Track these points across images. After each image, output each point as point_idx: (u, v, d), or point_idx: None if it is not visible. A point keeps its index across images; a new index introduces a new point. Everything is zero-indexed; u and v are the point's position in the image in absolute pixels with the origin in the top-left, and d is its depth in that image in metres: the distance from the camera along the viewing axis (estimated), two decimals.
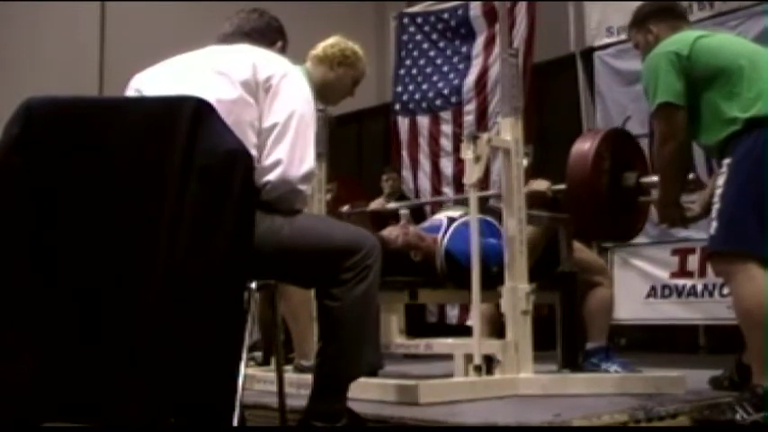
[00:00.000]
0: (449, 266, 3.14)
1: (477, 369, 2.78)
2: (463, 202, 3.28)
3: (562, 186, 3.13)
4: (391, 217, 3.65)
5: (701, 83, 2.52)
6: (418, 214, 4.42)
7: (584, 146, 3.03)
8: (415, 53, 6.62)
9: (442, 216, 3.42)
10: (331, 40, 3.11)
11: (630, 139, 3.34)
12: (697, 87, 2.53)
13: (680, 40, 2.60)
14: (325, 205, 3.45)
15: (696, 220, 2.88)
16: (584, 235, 3.36)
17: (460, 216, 3.32)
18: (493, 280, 2.91)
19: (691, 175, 2.93)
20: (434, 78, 6.47)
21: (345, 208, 3.52)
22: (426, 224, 3.44)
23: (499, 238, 3.06)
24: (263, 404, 2.49)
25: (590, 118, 5.61)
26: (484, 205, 3.32)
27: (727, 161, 2.43)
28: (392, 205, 3.59)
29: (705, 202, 2.90)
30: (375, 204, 3.52)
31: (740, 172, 2.39)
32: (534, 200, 3.17)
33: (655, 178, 3.04)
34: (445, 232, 3.22)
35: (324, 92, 3.05)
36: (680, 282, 5.00)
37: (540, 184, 3.28)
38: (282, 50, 2.26)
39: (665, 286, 5.08)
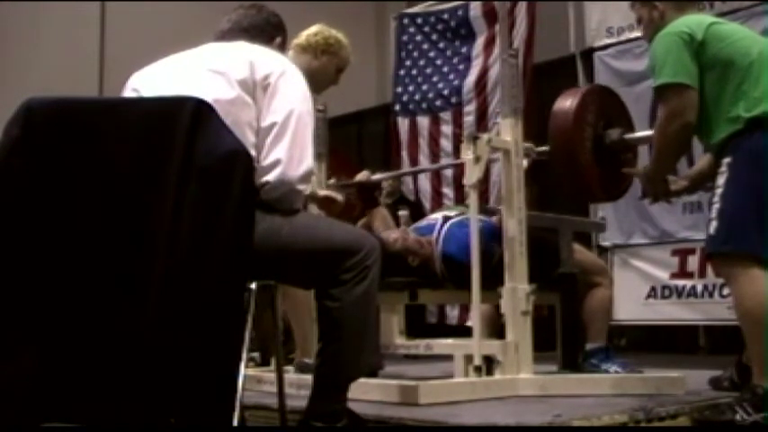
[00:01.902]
0: (447, 268, 3.14)
1: (477, 370, 2.78)
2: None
3: (545, 148, 3.08)
4: (376, 189, 3.64)
5: (708, 70, 2.48)
6: (418, 214, 4.42)
7: (565, 102, 2.98)
8: (415, 54, 6.61)
9: (437, 215, 3.42)
10: (314, 29, 3.09)
11: (614, 96, 3.28)
12: (703, 74, 2.48)
13: (695, 22, 2.54)
14: None
15: (679, 195, 2.87)
16: (571, 195, 3.31)
17: (456, 215, 3.32)
18: (494, 273, 2.90)
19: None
20: (434, 79, 6.47)
21: (332, 180, 3.51)
22: (423, 223, 3.43)
23: (490, 226, 3.06)
24: (263, 405, 2.49)
25: None
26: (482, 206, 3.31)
27: (727, 160, 2.42)
28: (377, 176, 3.56)
29: (691, 177, 2.89)
30: (361, 176, 3.50)
31: (741, 172, 2.38)
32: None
33: (639, 134, 3.01)
34: (439, 233, 3.22)
35: (308, 81, 3.04)
36: (680, 282, 5.00)
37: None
38: (281, 46, 2.25)
39: (664, 287, 5.08)
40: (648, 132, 3.16)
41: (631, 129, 3.11)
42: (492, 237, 3.01)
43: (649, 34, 2.70)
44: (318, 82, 3.07)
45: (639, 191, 3.04)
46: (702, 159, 2.92)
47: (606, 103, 3.12)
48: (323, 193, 3.14)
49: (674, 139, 2.54)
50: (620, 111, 3.18)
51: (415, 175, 6.46)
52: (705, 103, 2.49)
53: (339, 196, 3.24)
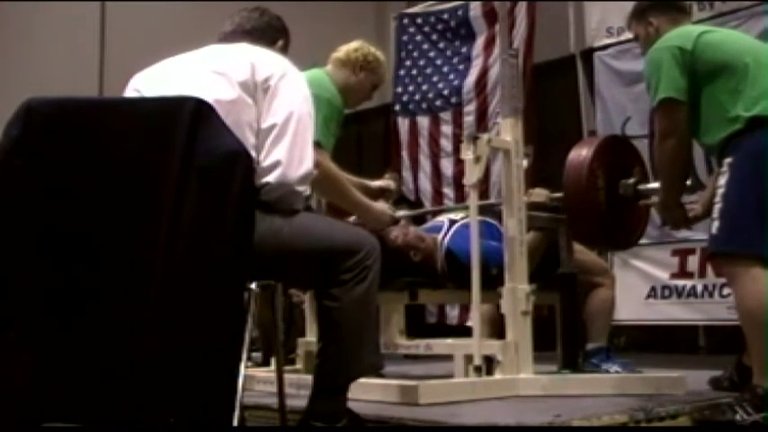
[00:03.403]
0: (449, 265, 3.13)
1: (478, 370, 2.78)
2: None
3: (561, 194, 3.13)
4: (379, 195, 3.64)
5: (704, 79, 2.51)
6: (418, 216, 4.42)
7: (578, 157, 3.03)
8: (415, 54, 6.61)
9: (443, 218, 3.43)
10: (354, 45, 3.14)
11: (627, 145, 3.34)
12: (699, 83, 2.51)
13: (683, 34, 2.58)
14: (325, 206, 3.44)
15: (699, 221, 2.88)
16: (584, 243, 3.37)
17: (462, 218, 3.32)
18: (493, 280, 2.91)
19: (688, 182, 2.92)
20: (434, 79, 6.47)
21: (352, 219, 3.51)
22: (428, 225, 3.43)
23: (500, 239, 3.05)
24: (263, 405, 2.49)
25: (590, 119, 5.60)
26: (487, 207, 3.31)
27: (728, 160, 2.43)
28: (401, 213, 3.54)
29: (707, 202, 2.89)
30: (381, 183, 3.49)
31: (742, 171, 2.38)
32: (535, 210, 3.18)
33: (652, 185, 3.04)
34: (446, 232, 3.22)
35: (344, 95, 3.06)
36: (680, 282, 5.00)
37: (540, 195, 3.28)
38: (284, 49, 2.26)
39: (665, 287, 5.08)
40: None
41: (646, 178, 3.15)
42: (497, 258, 2.98)
43: (647, 50, 2.73)
44: (354, 97, 3.11)
45: (663, 225, 3.08)
46: (712, 180, 2.94)
47: (621, 153, 3.17)
48: (377, 183, 3.17)
49: (672, 156, 2.58)
50: (634, 160, 3.22)
51: (415, 174, 6.46)
52: (703, 107, 2.51)
53: (393, 184, 3.29)
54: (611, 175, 3.05)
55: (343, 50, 3.12)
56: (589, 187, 2.98)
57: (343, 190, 2.86)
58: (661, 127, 2.57)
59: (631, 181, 3.06)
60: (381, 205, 3.07)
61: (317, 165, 2.68)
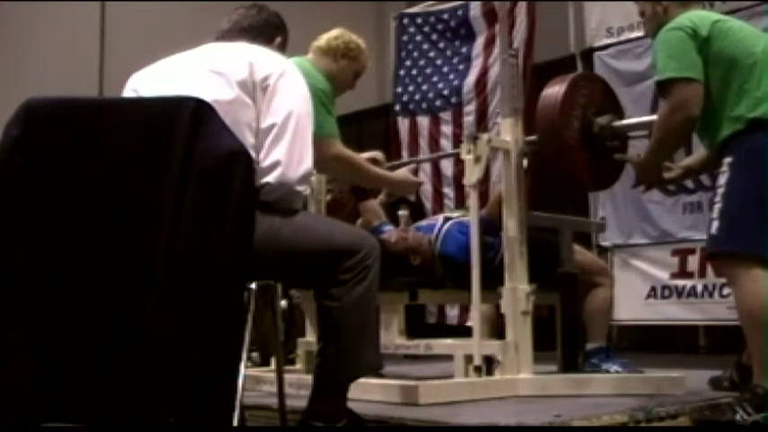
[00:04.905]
0: (446, 268, 3.14)
1: (478, 370, 2.78)
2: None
3: (533, 137, 3.03)
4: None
5: (712, 68, 2.48)
6: (419, 213, 4.42)
7: (553, 88, 2.94)
8: (415, 54, 6.61)
9: (439, 216, 3.44)
10: (334, 33, 3.10)
11: (604, 85, 3.25)
12: (707, 71, 2.48)
13: (699, 18, 2.55)
14: (325, 206, 3.45)
15: (673, 182, 2.89)
16: (559, 184, 3.27)
17: (457, 217, 3.33)
18: (492, 273, 2.90)
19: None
20: (434, 79, 6.47)
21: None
22: (423, 223, 3.44)
23: (494, 235, 3.06)
24: (263, 405, 2.49)
25: None
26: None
27: (728, 160, 2.42)
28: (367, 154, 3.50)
29: (684, 167, 2.90)
30: (369, 155, 3.46)
31: (742, 172, 2.38)
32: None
33: (629, 121, 3.00)
34: (438, 233, 3.23)
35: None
36: (680, 282, 5.00)
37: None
38: (282, 47, 2.25)
39: (665, 287, 5.08)
40: (637, 120, 3.16)
41: (621, 118, 3.09)
42: (484, 229, 2.98)
43: (652, 29, 2.71)
44: (336, 86, 3.07)
45: (636, 185, 3.02)
46: (699, 151, 2.93)
47: (596, 91, 3.08)
48: (366, 154, 3.18)
49: (677, 131, 2.54)
50: (609, 99, 3.14)
51: (415, 174, 6.45)
52: (708, 101, 2.49)
53: (380, 155, 3.34)
54: (587, 111, 2.95)
55: (324, 39, 3.09)
56: (563, 120, 2.88)
57: (364, 169, 2.94)
58: (672, 102, 2.50)
59: (606, 117, 2.97)
60: (402, 172, 3.20)
61: (335, 157, 2.71)
